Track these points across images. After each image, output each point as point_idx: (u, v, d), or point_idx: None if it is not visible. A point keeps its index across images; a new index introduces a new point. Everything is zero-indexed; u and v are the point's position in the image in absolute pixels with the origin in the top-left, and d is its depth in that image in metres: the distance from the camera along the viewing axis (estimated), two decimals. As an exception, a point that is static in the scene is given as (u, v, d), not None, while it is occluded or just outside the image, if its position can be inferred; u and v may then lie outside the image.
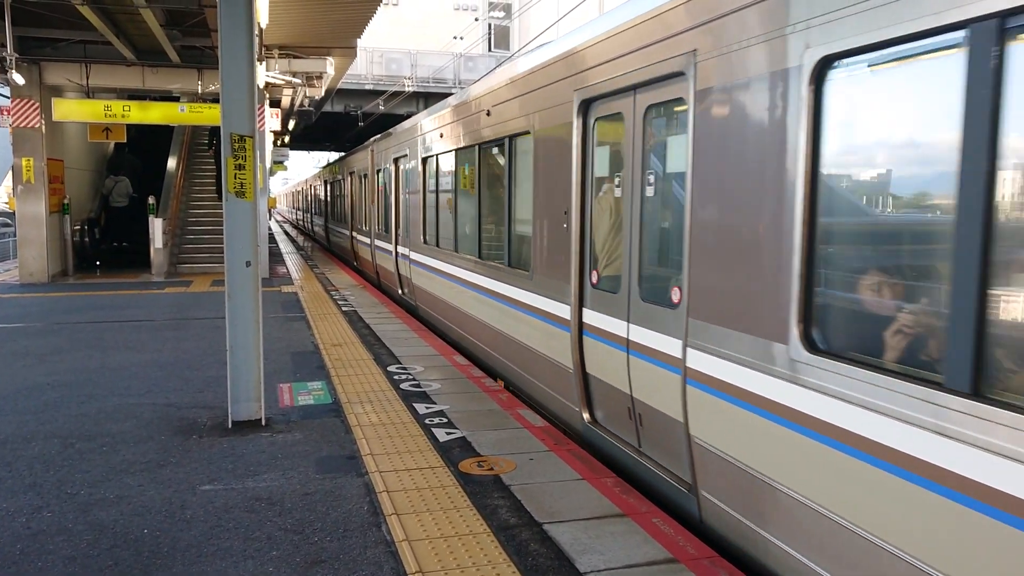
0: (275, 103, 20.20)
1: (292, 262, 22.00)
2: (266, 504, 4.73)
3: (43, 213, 16.52)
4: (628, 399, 5.34)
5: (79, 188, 19.38)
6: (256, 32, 6.99)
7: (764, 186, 3.83)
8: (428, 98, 31.45)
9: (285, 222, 61.23)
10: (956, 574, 2.82)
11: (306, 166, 73.34)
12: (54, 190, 16.96)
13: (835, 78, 3.43)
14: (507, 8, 38.11)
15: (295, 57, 17.36)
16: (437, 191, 10.99)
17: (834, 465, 3.35)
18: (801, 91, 3.53)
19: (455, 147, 9.83)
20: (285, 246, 29.03)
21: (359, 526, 4.42)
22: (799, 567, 3.62)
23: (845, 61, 3.36)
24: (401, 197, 13.45)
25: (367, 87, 32.59)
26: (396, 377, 7.94)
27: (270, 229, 32.17)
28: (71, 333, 10.59)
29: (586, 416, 6.08)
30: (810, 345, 3.54)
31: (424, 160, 11.64)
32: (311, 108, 26.08)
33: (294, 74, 17.62)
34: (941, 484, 2.84)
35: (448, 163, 10.43)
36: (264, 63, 16.30)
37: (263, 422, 6.31)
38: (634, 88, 5.19)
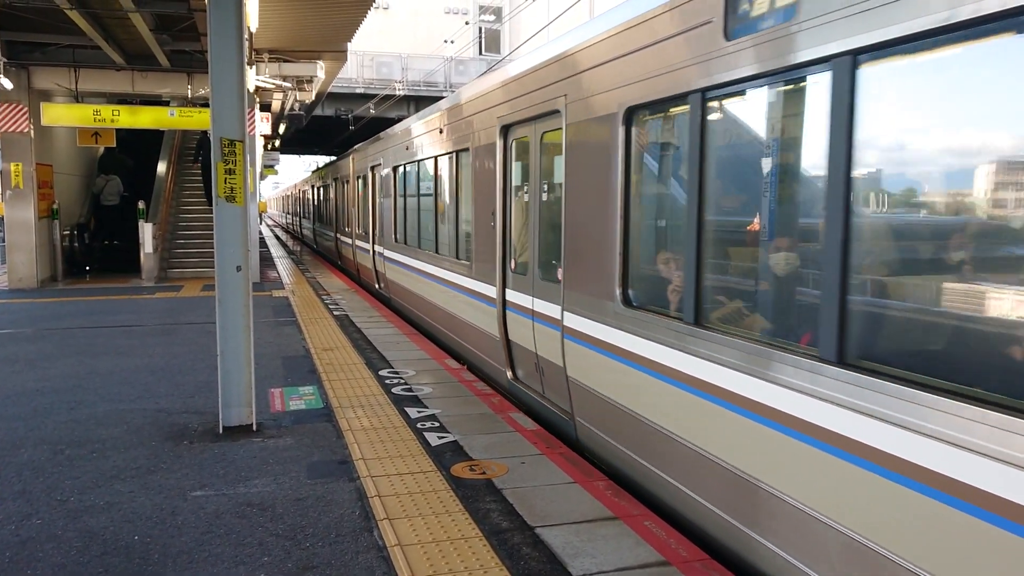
0: (265, 107, 20.15)
1: (283, 266, 21.95)
2: (257, 510, 4.72)
3: (32, 218, 16.43)
4: (534, 356, 6.86)
5: (68, 193, 19.30)
6: (246, 36, 6.96)
7: (601, 194, 5.43)
8: (419, 101, 31.42)
9: (276, 226, 61.11)
10: (766, 476, 3.81)
11: (297, 170, 73.32)
12: (43, 195, 16.88)
13: (636, 121, 5.14)
14: (498, 12, 38.13)
15: (285, 61, 17.34)
16: (405, 196, 12.59)
17: (644, 383, 4.92)
18: (618, 129, 5.16)
19: (418, 159, 11.41)
20: (276, 250, 28.97)
21: (351, 531, 4.41)
22: (633, 463, 5.14)
23: (640, 111, 5.08)
24: (376, 201, 15.03)
25: (358, 91, 32.53)
26: (388, 381, 7.93)
27: (261, 233, 32.08)
28: (61, 339, 10.55)
29: (509, 374, 7.60)
30: (627, 301, 5.19)
31: (394, 168, 13.20)
32: (301, 112, 26.07)
33: (284, 78, 17.59)
34: (694, 387, 4.39)
35: (412, 172, 12.04)
36: (254, 67, 16.27)
37: (254, 427, 6.29)
38: (534, 119, 6.75)
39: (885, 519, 3.12)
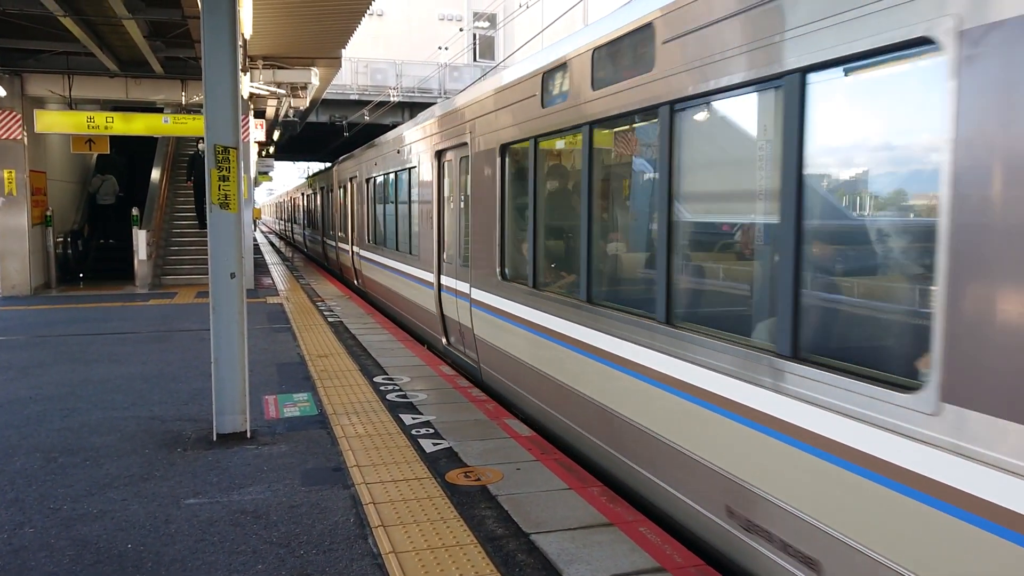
0: (260, 114, 20.15)
1: (277, 273, 21.92)
2: (252, 517, 4.70)
3: (25, 225, 16.39)
4: (457, 324, 9.01)
5: (62, 200, 19.25)
6: (240, 43, 6.94)
7: (489, 203, 7.75)
8: (413, 108, 31.45)
9: (271, 233, 61.04)
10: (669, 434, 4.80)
11: (291, 176, 73.22)
12: (36, 202, 16.84)
13: (508, 153, 7.46)
14: (492, 18, 38.21)
15: (279, 68, 17.33)
16: (374, 203, 15.22)
17: (510, 332, 7.28)
18: (496, 159, 7.51)
19: (383, 172, 13.94)
20: (270, 257, 28.94)
21: (345, 539, 4.39)
22: (512, 390, 7.38)
23: (509, 147, 7.38)
24: (353, 208, 17.46)
25: (352, 97, 32.56)
26: (382, 388, 7.92)
27: (255, 240, 32.04)
28: (54, 346, 10.51)
29: (444, 341, 9.82)
30: (503, 276, 7.49)
31: (365, 180, 15.87)
32: (296, 118, 26.04)
33: (279, 85, 17.59)
34: (536, 330, 6.76)
35: (380, 183, 14.51)
36: (248, 74, 16.27)
37: (248, 434, 6.27)
38: (456, 147, 9.06)
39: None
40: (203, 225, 17.32)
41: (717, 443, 4.19)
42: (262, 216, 69.94)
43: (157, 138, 21.40)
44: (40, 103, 16.72)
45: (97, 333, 11.58)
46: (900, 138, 3.46)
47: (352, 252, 17.78)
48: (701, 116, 4.57)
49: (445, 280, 9.52)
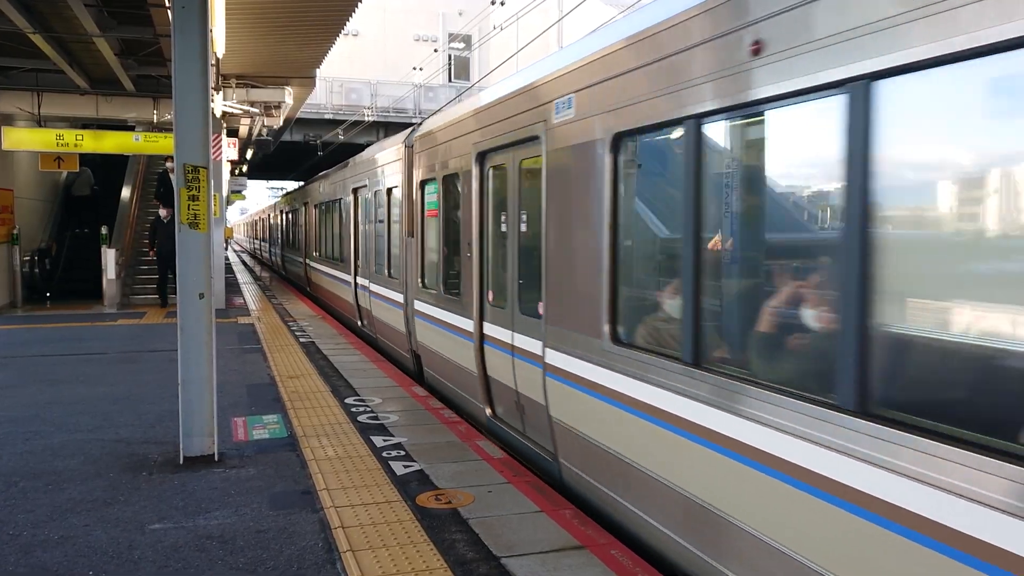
0: (232, 132, 20.03)
1: (249, 292, 21.72)
2: (217, 543, 4.62)
3: (-9, 244, 16.12)
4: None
5: (29, 218, 18.97)
6: (212, 62, 6.91)
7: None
8: (388, 127, 31.44)
9: (243, 252, 60.59)
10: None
11: (265, 196, 72.79)
12: (3, 220, 16.56)
13: (449, 183, 8.43)
14: (467, 40, 38.39)
15: (253, 87, 17.27)
16: (321, 224, 18.89)
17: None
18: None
19: (327, 200, 17.68)
20: (242, 276, 28.67)
21: (313, 564, 4.33)
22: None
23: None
24: (308, 227, 21.00)
25: (327, 116, 32.48)
26: (354, 409, 7.84)
27: (227, 259, 31.74)
28: (20, 367, 10.31)
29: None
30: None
31: (315, 205, 19.72)
32: (269, 137, 25.91)
33: (252, 104, 17.51)
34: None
35: (325, 209, 18.20)
36: (221, 92, 16.18)
37: (216, 457, 6.18)
38: (376, 182, 12.03)
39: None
40: (152, 246, 17.06)
41: None
42: (234, 235, 69.41)
43: (128, 156, 21.24)
44: (8, 120, 16.49)
45: (64, 354, 11.38)
46: None
47: (305, 263, 19.50)
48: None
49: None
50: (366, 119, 31.19)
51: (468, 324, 7.63)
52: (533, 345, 6.15)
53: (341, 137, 30.86)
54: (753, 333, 3.99)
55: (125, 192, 20.24)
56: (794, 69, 3.29)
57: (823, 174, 3.58)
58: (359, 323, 13.67)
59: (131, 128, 17.86)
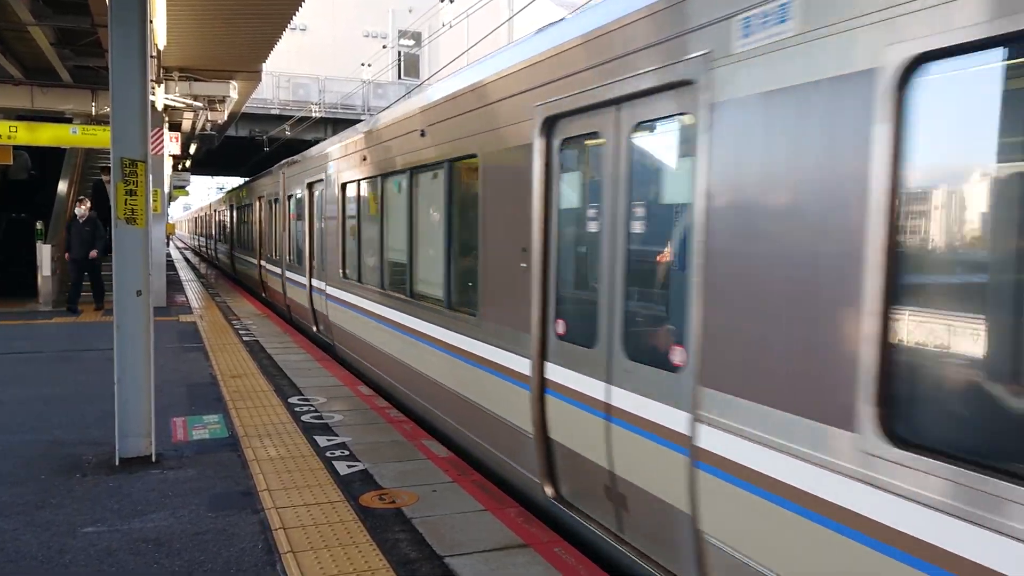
0: (175, 126, 19.60)
1: (192, 290, 21.28)
2: (153, 545, 4.51)
3: (-82, 239, 15.50)
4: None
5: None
6: (153, 54, 6.77)
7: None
8: (336, 124, 31.10)
9: (186, 248, 59.42)
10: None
11: (210, 191, 71.44)
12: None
13: (384, 183, 8.76)
14: (417, 37, 38.18)
15: (196, 80, 16.92)
16: (236, 222, 23.23)
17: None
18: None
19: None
20: (185, 273, 28.08)
21: (253, 565, 4.25)
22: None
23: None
24: (233, 224, 24.50)
25: (273, 112, 32.02)
26: (297, 409, 7.74)
27: (169, 256, 31.08)
28: (-54, 366, 9.93)
29: (314, 328, 11.68)
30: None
31: (233, 208, 24.14)
32: (213, 132, 25.43)
33: (195, 97, 17.17)
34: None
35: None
36: (163, 85, 15.82)
37: (153, 458, 6.03)
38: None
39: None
40: (67, 249, 15.69)
41: None
42: (176, 231, 68.03)
43: (65, 149, 20.61)
44: (-63, 111, 15.90)
45: (-6, 352, 11.00)
46: None
47: (230, 253, 25.53)
48: None
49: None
50: (314, 115, 30.82)
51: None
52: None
53: (288, 133, 30.43)
54: None
55: (62, 186, 19.63)
56: None
57: None
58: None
59: (68, 120, 17.33)
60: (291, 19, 13.40)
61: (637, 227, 4.16)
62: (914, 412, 2.72)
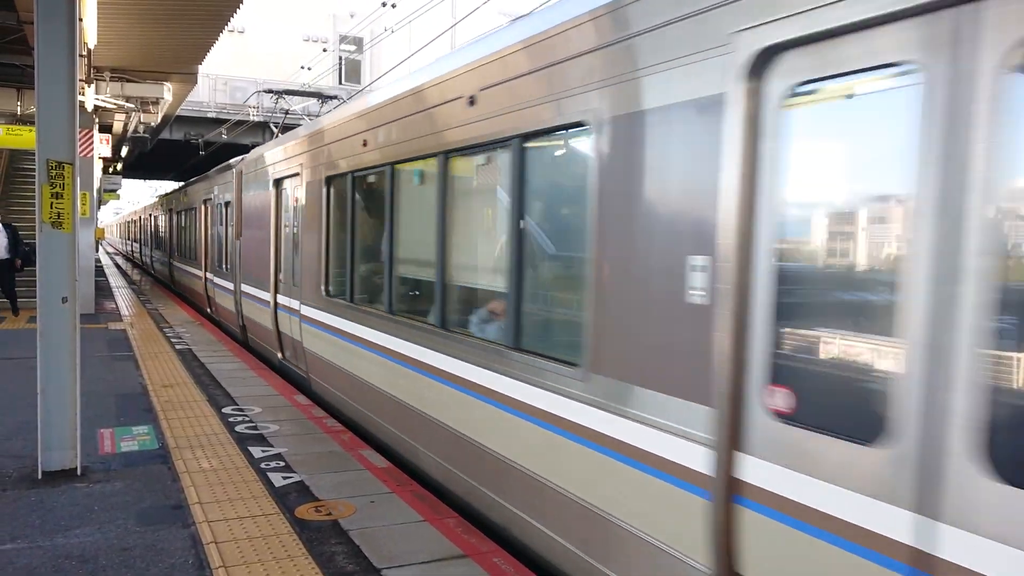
0: (106, 128, 19.04)
1: (123, 297, 20.66)
2: (77, 562, 4.33)
3: None
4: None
5: None
6: (82, 52, 6.55)
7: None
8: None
9: (117, 254, 57.76)
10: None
11: (144, 195, 69.61)
12: None
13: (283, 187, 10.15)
14: (358, 42, 37.87)
15: (129, 81, 16.48)
16: (176, 228, 22.85)
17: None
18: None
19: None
20: (116, 280, 27.26)
21: (182, 582, 4.12)
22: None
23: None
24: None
25: (210, 115, 31.39)
26: (231, 419, 7.55)
27: (99, 261, 30.16)
28: None
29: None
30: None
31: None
32: (146, 135, 24.79)
33: (128, 99, 16.72)
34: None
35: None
36: (93, 85, 15.35)
37: (79, 471, 5.80)
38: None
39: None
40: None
41: None
42: (106, 236, 66.14)
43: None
44: None
45: (-92, 361, 10.48)
46: None
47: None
48: None
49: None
50: (251, 119, 30.27)
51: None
52: None
53: (225, 136, 29.83)
54: None
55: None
56: None
57: None
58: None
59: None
60: (229, 21, 13.15)
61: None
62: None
